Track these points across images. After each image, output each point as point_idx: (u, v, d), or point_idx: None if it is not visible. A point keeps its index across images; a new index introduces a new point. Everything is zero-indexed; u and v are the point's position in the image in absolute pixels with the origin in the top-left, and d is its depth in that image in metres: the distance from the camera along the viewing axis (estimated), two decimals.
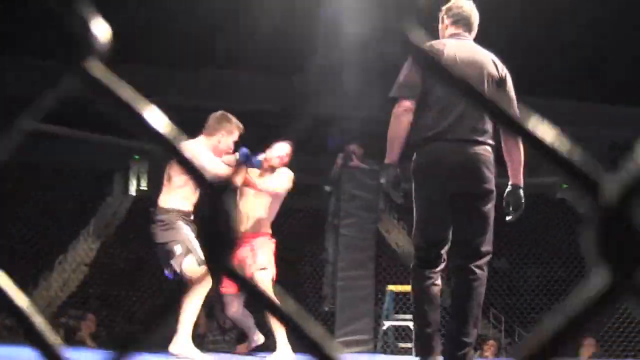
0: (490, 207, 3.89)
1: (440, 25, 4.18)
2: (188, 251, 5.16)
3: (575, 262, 13.17)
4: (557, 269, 15.08)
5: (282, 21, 13.13)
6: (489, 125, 3.86)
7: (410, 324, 8.45)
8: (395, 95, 3.87)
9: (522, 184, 3.98)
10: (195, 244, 5.10)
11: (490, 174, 3.86)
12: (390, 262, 9.85)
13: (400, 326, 8.80)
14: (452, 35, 4.05)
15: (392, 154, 3.86)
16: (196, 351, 5.28)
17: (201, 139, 5.45)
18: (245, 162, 5.62)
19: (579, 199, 0.45)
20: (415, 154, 3.90)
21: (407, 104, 3.81)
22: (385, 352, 8.37)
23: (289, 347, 5.66)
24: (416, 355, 4.00)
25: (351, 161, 8.99)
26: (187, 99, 15.25)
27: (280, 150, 6.02)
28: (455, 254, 3.93)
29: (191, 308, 5.17)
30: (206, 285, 4.93)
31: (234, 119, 5.52)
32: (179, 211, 5.29)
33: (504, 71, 3.99)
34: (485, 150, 3.85)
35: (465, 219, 3.86)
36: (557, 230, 14.14)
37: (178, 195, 5.31)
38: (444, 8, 4.14)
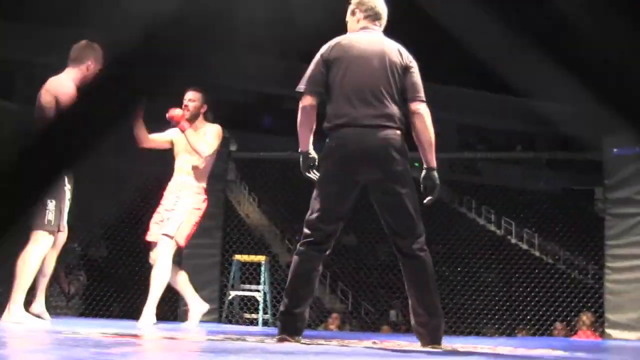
0: (408, 190, 4.00)
1: (349, 17, 4.31)
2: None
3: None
4: None
5: None
6: (395, 111, 4.01)
7: (257, 295, 8.35)
8: (302, 90, 4.08)
9: (434, 165, 4.11)
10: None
11: (400, 157, 3.98)
12: (239, 232, 9.63)
13: (245, 296, 8.64)
14: (362, 29, 4.22)
15: (304, 142, 4.14)
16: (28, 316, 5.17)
17: (69, 72, 5.40)
18: None
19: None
20: (327, 140, 4.07)
21: (312, 98, 4.05)
22: (230, 322, 8.20)
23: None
24: (279, 333, 3.97)
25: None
26: None
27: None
28: (392, 241, 4.08)
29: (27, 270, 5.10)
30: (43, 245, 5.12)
31: (97, 46, 5.47)
32: None
33: (409, 59, 4.13)
34: (395, 134, 3.98)
35: (386, 204, 4.02)
36: None
37: None
38: (355, 1, 4.27)
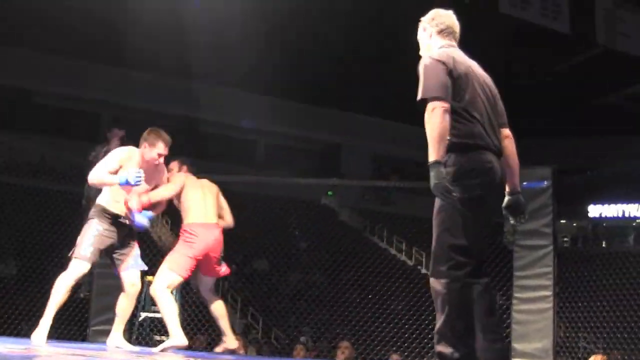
0: None
1: (422, 34, 4.23)
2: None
3: (333, 269, 13.45)
4: (316, 275, 15.37)
5: None
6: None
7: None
8: (434, 95, 3.75)
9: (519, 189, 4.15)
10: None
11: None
12: (151, 254, 9.46)
13: (156, 318, 8.48)
14: (449, 46, 4.08)
15: (442, 150, 3.69)
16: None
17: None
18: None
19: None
20: (460, 158, 3.80)
21: (446, 104, 3.74)
22: (140, 344, 8.04)
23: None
24: None
25: (115, 146, 8.63)
26: None
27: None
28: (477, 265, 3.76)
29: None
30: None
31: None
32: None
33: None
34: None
35: (488, 227, 3.92)
36: (316, 237, 14.35)
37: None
38: (426, 18, 4.21)
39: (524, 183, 7.66)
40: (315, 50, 21.31)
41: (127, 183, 5.81)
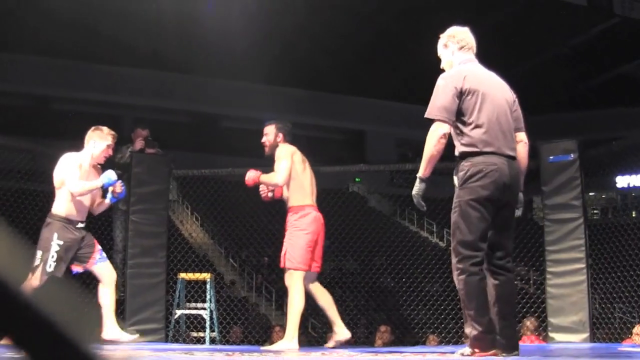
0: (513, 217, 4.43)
1: (443, 51, 4.60)
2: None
3: (365, 255, 13.49)
4: (350, 262, 15.43)
5: None
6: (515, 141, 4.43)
7: (203, 313, 8.29)
8: (438, 117, 4.24)
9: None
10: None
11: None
12: (183, 251, 9.57)
13: (192, 315, 8.55)
14: (468, 61, 4.49)
15: (428, 170, 4.31)
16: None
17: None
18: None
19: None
20: (467, 163, 4.24)
21: (447, 127, 4.24)
22: (177, 341, 8.11)
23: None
24: (486, 350, 4.13)
25: (139, 146, 8.71)
26: None
27: None
28: (493, 257, 4.29)
29: None
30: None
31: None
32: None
33: (513, 93, 4.53)
34: (520, 166, 4.43)
35: (504, 224, 4.32)
36: (347, 224, 14.31)
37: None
38: (446, 35, 4.58)
39: (550, 157, 7.68)
40: (338, 40, 21.30)
41: (111, 182, 6.12)
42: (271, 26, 18.80)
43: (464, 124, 4.26)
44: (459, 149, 4.31)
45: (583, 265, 7.45)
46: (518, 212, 4.46)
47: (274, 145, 6.31)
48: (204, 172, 9.28)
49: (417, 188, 4.36)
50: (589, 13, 16.49)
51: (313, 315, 13.14)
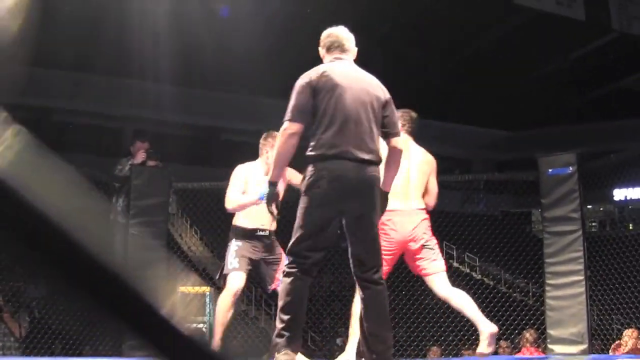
0: (377, 225, 4.17)
1: (320, 50, 4.52)
2: None
3: None
4: (349, 276, 15.42)
5: None
6: (377, 146, 4.17)
7: (202, 326, 8.28)
8: (288, 117, 4.10)
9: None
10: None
11: (379, 191, 4.15)
12: (182, 264, 9.58)
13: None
14: (335, 59, 4.37)
15: (277, 172, 4.18)
16: None
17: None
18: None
19: None
20: (311, 168, 4.08)
21: (298, 127, 4.09)
22: None
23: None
24: (278, 352, 4.13)
25: (141, 158, 8.71)
26: None
27: None
28: (357, 271, 4.17)
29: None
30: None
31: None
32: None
33: (387, 93, 4.30)
34: (377, 170, 4.15)
35: (360, 235, 4.10)
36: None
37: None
38: (322, 36, 4.51)
39: (550, 170, 7.72)
40: None
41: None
42: (272, 41, 18.86)
43: (317, 123, 4.11)
44: (307, 152, 4.15)
45: (582, 278, 7.47)
46: None
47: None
48: (204, 184, 9.29)
49: (267, 193, 4.31)
50: (588, 28, 16.58)
51: (313, 329, 13.15)
